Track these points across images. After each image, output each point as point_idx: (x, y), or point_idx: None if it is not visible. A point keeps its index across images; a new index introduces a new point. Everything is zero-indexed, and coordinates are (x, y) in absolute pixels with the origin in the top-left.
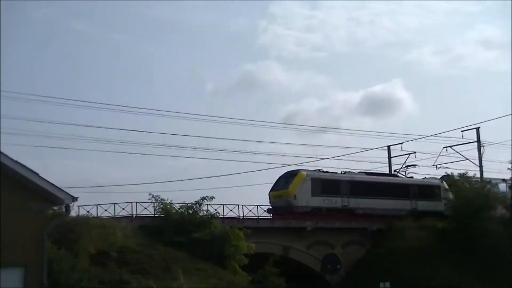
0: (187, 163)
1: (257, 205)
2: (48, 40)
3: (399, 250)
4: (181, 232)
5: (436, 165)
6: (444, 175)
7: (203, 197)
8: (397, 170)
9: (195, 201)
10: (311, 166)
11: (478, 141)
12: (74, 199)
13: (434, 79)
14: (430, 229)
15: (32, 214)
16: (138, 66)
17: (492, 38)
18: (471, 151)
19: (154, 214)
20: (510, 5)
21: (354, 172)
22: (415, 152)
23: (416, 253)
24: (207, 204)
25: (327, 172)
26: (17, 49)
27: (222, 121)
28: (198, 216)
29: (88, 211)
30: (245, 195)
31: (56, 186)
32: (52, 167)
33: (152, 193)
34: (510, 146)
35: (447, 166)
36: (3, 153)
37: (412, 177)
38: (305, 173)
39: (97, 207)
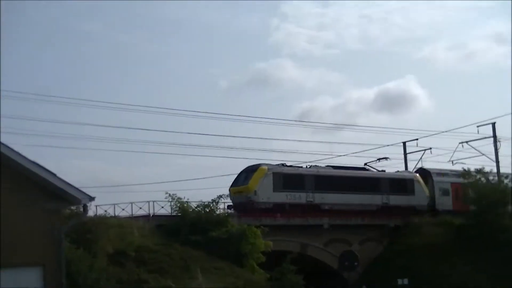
0: (201, 161)
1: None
2: (59, 41)
3: (416, 247)
4: (198, 231)
5: (452, 160)
6: (419, 169)
7: (219, 196)
8: (367, 164)
9: (212, 199)
10: (327, 163)
11: (494, 136)
12: (91, 198)
13: (448, 75)
14: (447, 226)
15: (48, 213)
16: (149, 65)
17: (505, 33)
18: (487, 146)
19: (171, 213)
20: None
21: (320, 166)
22: (430, 148)
23: (433, 250)
24: (224, 203)
25: (290, 166)
26: (17, 49)
27: (236, 119)
28: (215, 214)
29: (105, 211)
30: None
31: (73, 186)
32: (63, 167)
33: (169, 192)
34: None
35: (463, 162)
36: (20, 154)
37: (384, 171)
38: (266, 167)
39: (114, 206)
